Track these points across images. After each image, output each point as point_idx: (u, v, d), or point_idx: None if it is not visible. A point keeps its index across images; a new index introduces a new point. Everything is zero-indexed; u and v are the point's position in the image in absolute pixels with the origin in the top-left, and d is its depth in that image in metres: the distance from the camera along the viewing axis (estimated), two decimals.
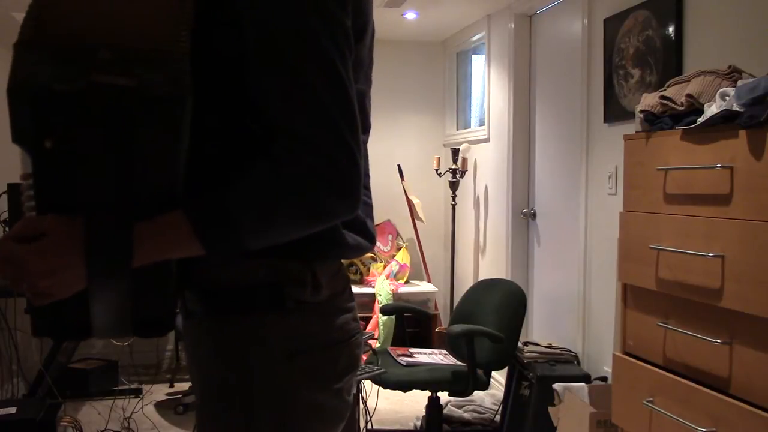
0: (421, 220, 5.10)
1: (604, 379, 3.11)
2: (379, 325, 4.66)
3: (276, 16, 0.96)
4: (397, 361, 3.30)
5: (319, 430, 1.09)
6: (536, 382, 3.22)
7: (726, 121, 1.80)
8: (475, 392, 3.33)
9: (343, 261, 1.18)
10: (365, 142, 1.14)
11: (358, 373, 1.28)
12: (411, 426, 3.88)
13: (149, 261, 0.93)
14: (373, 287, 4.92)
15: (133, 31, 0.96)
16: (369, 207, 1.21)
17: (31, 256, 0.90)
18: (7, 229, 3.61)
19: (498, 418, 3.67)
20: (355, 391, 1.21)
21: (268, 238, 0.97)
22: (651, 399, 2.05)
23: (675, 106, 2.03)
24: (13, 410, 2.95)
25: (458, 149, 4.80)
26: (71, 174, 0.94)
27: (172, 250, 0.95)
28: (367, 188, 1.21)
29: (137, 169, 0.94)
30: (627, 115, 3.01)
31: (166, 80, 0.93)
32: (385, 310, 3.77)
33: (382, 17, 4.56)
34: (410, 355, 3.40)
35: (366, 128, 1.14)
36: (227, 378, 1.05)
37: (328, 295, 1.08)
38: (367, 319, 4.75)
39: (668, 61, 2.75)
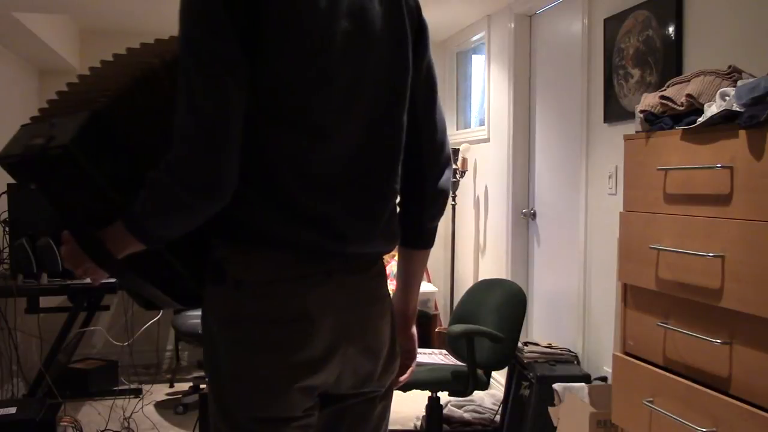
0: None
1: (604, 379, 3.11)
2: None
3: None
4: None
5: (266, 355, 1.28)
6: (536, 382, 3.22)
7: (726, 121, 1.81)
8: (475, 392, 3.33)
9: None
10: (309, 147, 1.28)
11: None
12: (411, 426, 3.88)
13: (120, 254, 1.26)
14: None
15: (83, 101, 1.27)
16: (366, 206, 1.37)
17: (64, 257, 1.32)
18: (7, 228, 3.64)
19: (498, 418, 3.67)
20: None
21: (170, 228, 1.24)
22: (651, 399, 2.05)
23: (675, 106, 2.03)
24: (13, 410, 2.94)
25: (458, 149, 4.79)
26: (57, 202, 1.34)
27: (127, 245, 1.25)
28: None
29: (80, 198, 1.29)
30: (627, 115, 3.01)
31: (63, 134, 1.21)
32: None
33: None
34: None
35: (312, 129, 1.28)
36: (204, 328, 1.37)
37: (269, 279, 1.27)
38: None
39: (668, 61, 2.75)
